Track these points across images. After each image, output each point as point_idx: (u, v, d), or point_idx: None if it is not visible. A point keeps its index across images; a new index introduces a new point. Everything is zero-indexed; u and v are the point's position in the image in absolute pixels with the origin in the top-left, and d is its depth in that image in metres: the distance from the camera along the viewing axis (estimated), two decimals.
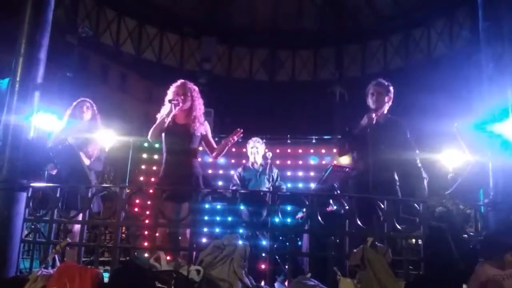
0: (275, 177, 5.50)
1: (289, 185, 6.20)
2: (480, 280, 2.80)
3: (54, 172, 3.99)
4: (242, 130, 4.01)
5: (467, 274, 2.91)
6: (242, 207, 4.26)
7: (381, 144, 3.79)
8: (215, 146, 4.11)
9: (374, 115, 3.86)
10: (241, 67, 11.91)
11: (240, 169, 5.59)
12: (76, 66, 9.36)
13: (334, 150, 7.08)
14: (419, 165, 3.93)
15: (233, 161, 7.15)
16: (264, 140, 5.73)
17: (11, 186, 3.21)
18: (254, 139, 5.57)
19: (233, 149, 7.20)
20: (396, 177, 3.83)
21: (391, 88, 4.05)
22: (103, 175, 4.99)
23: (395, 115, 4.10)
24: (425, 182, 3.93)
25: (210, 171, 7.06)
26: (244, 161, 5.89)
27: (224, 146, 4.01)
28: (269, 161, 5.44)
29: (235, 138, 3.95)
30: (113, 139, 6.26)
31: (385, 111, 4.03)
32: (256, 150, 5.48)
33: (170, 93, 3.99)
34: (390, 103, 4.05)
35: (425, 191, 3.86)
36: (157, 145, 6.55)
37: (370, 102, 4.02)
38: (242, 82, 11.73)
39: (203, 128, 4.02)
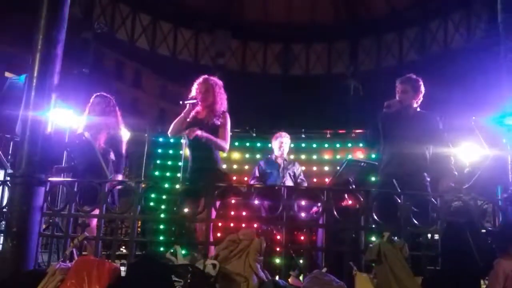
0: (297, 173, 5.48)
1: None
2: (499, 278, 2.77)
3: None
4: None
5: (485, 270, 2.88)
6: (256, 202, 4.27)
7: (405, 139, 3.75)
8: (224, 138, 3.98)
9: (400, 107, 3.83)
10: (255, 61, 11.87)
11: (262, 162, 5.59)
12: (92, 62, 9.45)
13: (361, 145, 6.99)
14: (452, 160, 3.88)
15: (247, 155, 7.17)
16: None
17: (29, 180, 3.25)
18: (282, 134, 5.54)
19: (247, 144, 7.26)
20: (425, 173, 3.78)
21: (420, 83, 3.98)
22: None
23: (428, 108, 4.06)
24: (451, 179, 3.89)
25: (224, 166, 7.07)
26: (258, 156, 5.90)
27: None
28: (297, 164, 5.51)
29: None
30: (128, 134, 6.33)
31: (414, 105, 3.97)
32: (282, 144, 5.45)
33: (194, 89, 4.01)
34: (420, 97, 3.99)
35: (447, 187, 3.81)
36: (172, 140, 6.60)
37: (397, 96, 4.00)
38: (256, 76, 11.70)
39: (221, 119, 3.99)
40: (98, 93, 4.49)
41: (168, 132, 4.01)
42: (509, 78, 3.61)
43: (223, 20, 11.18)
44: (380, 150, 4.03)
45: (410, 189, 3.37)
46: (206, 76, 4.09)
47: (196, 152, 3.91)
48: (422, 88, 3.98)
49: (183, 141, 5.14)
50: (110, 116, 4.39)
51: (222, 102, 4.05)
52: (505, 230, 3.18)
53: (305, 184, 5.47)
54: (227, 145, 3.98)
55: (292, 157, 6.17)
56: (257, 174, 5.46)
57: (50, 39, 3.42)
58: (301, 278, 4.16)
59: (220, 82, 4.10)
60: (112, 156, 4.18)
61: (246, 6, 11.26)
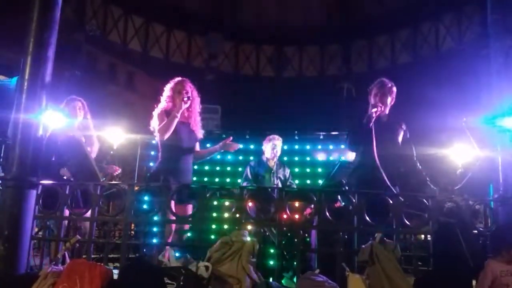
0: (287, 176, 5.49)
1: (296, 181, 6.19)
2: (488, 278, 2.80)
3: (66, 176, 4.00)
4: (239, 146, 4.05)
5: (477, 270, 2.90)
6: (250, 204, 4.28)
7: (383, 142, 3.80)
8: (198, 149, 4.15)
9: (374, 113, 3.88)
10: (248, 63, 11.89)
11: (253, 163, 5.56)
12: (84, 64, 9.42)
13: (342, 146, 7.07)
14: (419, 165, 3.95)
15: (240, 157, 7.16)
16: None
17: (21, 183, 3.24)
18: (275, 136, 5.54)
19: (241, 146, 7.27)
20: (396, 175, 3.83)
21: (394, 89, 4.08)
22: (109, 173, 4.99)
23: (397, 114, 4.12)
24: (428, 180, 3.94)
25: (218, 168, 7.07)
26: (252, 158, 5.89)
27: (212, 151, 4.06)
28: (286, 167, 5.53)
29: (229, 148, 3.99)
30: (121, 137, 6.31)
31: (387, 111, 4.04)
32: (277, 147, 5.46)
33: (168, 90, 4.00)
34: (393, 102, 4.08)
35: (431, 188, 3.86)
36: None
37: (373, 101, 4.04)
38: (249, 78, 11.72)
39: (199, 127, 4.09)
40: (73, 96, 4.49)
41: (161, 136, 3.91)
42: (499, 80, 3.64)
43: (216, 22, 11.19)
44: (357, 153, 4.08)
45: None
46: (182, 78, 4.09)
47: (172, 153, 3.95)
48: (395, 93, 4.07)
49: None
50: (86, 118, 4.46)
51: (199, 107, 4.13)
52: (496, 231, 3.21)
53: (294, 187, 5.49)
54: None
55: (285, 158, 6.18)
56: (249, 176, 5.45)
57: (42, 42, 3.41)
58: (294, 279, 4.18)
59: (193, 86, 4.12)
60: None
61: (239, 9, 11.28)
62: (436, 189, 3.83)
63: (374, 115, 3.87)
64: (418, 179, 3.97)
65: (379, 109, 3.93)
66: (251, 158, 6.98)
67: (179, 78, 4.07)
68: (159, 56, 11.32)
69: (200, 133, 4.08)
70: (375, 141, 3.76)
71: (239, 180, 6.78)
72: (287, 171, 5.56)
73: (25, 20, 3.43)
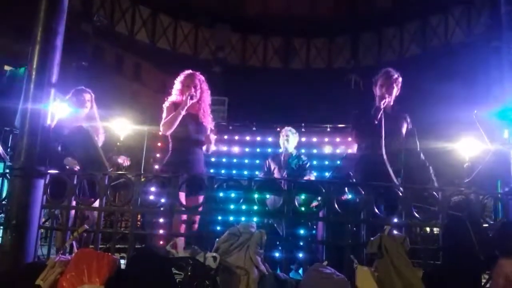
0: (304, 166, 5.39)
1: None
2: (500, 281, 2.74)
3: (76, 168, 4.02)
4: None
5: (486, 264, 2.87)
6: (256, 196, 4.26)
7: (389, 136, 3.76)
8: (212, 141, 4.08)
9: (382, 104, 3.83)
10: (255, 55, 11.85)
11: (270, 156, 5.60)
12: (91, 55, 9.42)
13: (349, 139, 7.03)
14: (423, 157, 3.90)
15: (247, 149, 7.15)
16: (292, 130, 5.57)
17: (28, 173, 3.24)
18: (287, 128, 5.49)
19: (247, 138, 7.25)
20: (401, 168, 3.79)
21: (400, 79, 4.01)
22: (118, 164, 5.00)
23: (401, 107, 4.08)
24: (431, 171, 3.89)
25: (224, 160, 7.07)
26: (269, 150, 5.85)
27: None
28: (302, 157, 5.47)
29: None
30: (128, 128, 6.32)
31: (392, 102, 3.99)
32: (287, 138, 5.39)
33: (178, 83, 3.99)
34: (398, 93, 4.02)
35: (434, 182, 3.81)
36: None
37: (378, 92, 3.99)
38: (256, 70, 11.68)
39: (210, 119, 4.06)
40: (80, 87, 4.50)
41: (162, 130, 3.94)
42: (511, 72, 3.59)
43: (223, 13, 11.14)
44: (361, 147, 4.04)
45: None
46: (191, 71, 4.07)
47: (180, 145, 3.95)
48: (400, 84, 4.01)
49: None
50: (93, 109, 4.48)
51: (208, 99, 4.09)
52: (504, 227, 3.15)
53: (308, 177, 5.35)
54: (214, 147, 4.16)
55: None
56: (265, 168, 5.48)
57: (50, 31, 3.39)
58: (300, 271, 4.18)
59: (203, 78, 4.09)
60: None
61: (246, 0, 11.21)
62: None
63: (382, 106, 3.82)
64: (422, 173, 3.90)
65: (387, 100, 3.88)
66: (258, 150, 7.03)
67: (189, 72, 4.05)
68: (166, 47, 11.30)
69: (210, 125, 4.05)
70: (380, 135, 3.72)
71: (245, 172, 6.82)
72: (304, 163, 5.46)
73: (34, 9, 3.42)
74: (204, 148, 4.05)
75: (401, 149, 3.77)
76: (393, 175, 3.62)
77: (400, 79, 4.01)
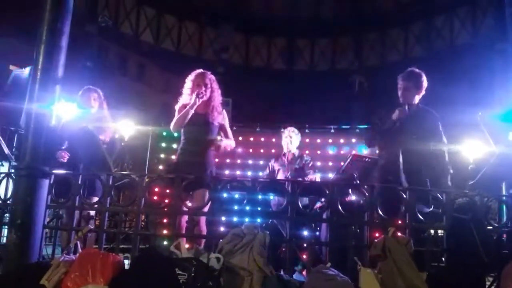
0: (306, 165, 5.36)
1: None
2: (510, 283, 2.72)
3: (65, 159, 4.05)
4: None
5: (490, 267, 2.86)
6: (260, 196, 4.26)
7: (413, 135, 3.73)
8: (230, 137, 4.09)
9: (406, 108, 3.79)
10: (259, 56, 11.85)
11: (273, 157, 5.60)
12: (96, 56, 9.45)
13: (353, 140, 7.03)
14: (446, 159, 3.86)
15: (250, 150, 7.16)
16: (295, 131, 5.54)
17: (33, 173, 3.25)
18: (289, 128, 5.48)
19: (251, 138, 7.25)
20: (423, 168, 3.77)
21: (422, 79, 3.95)
22: (122, 163, 5.01)
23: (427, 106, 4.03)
24: (449, 177, 3.87)
25: (228, 160, 7.08)
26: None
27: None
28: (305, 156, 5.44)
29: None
30: (132, 128, 6.33)
31: (416, 102, 3.95)
32: (290, 139, 5.38)
33: (189, 82, 3.99)
34: (422, 93, 3.97)
35: (447, 184, 3.80)
36: (176, 134, 6.58)
37: (399, 95, 3.96)
38: (260, 71, 11.68)
39: (221, 117, 4.03)
40: (88, 86, 4.50)
41: (171, 128, 3.95)
42: None
43: (227, 14, 11.14)
44: (382, 148, 4.02)
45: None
46: (202, 70, 4.07)
47: (190, 145, 3.93)
48: (425, 83, 3.95)
49: None
50: (102, 109, 4.48)
51: (219, 98, 4.06)
52: None
53: (312, 175, 5.31)
54: (234, 143, 4.13)
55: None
56: (269, 169, 5.47)
57: (55, 31, 3.40)
58: (303, 273, 4.17)
59: (214, 77, 4.08)
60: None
61: (250, 1, 11.22)
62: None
63: (402, 114, 3.79)
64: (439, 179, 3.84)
65: (406, 111, 3.84)
66: (261, 150, 7.04)
67: (200, 70, 4.04)
68: (170, 48, 11.32)
69: (218, 120, 4.01)
70: (402, 136, 3.70)
71: (249, 173, 6.83)
72: (307, 162, 5.43)
73: (39, 9, 3.43)
74: (220, 147, 3.98)
75: (425, 147, 3.73)
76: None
77: (422, 79, 3.93)
